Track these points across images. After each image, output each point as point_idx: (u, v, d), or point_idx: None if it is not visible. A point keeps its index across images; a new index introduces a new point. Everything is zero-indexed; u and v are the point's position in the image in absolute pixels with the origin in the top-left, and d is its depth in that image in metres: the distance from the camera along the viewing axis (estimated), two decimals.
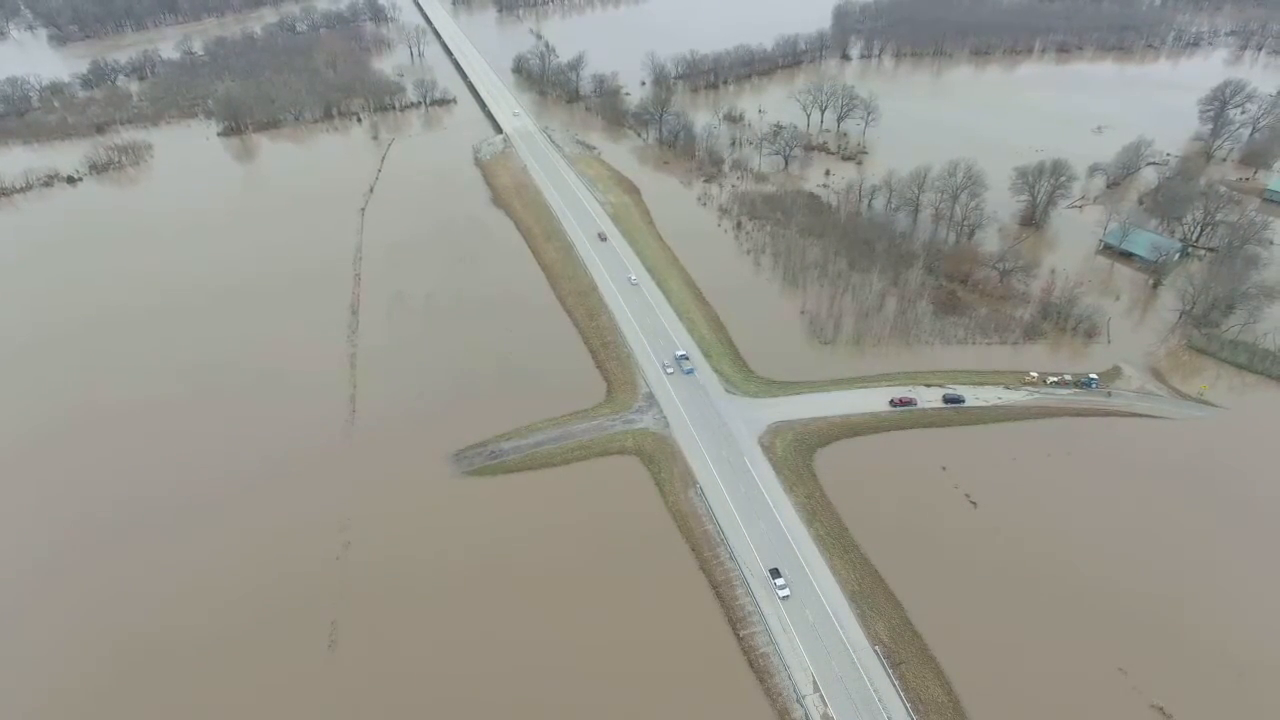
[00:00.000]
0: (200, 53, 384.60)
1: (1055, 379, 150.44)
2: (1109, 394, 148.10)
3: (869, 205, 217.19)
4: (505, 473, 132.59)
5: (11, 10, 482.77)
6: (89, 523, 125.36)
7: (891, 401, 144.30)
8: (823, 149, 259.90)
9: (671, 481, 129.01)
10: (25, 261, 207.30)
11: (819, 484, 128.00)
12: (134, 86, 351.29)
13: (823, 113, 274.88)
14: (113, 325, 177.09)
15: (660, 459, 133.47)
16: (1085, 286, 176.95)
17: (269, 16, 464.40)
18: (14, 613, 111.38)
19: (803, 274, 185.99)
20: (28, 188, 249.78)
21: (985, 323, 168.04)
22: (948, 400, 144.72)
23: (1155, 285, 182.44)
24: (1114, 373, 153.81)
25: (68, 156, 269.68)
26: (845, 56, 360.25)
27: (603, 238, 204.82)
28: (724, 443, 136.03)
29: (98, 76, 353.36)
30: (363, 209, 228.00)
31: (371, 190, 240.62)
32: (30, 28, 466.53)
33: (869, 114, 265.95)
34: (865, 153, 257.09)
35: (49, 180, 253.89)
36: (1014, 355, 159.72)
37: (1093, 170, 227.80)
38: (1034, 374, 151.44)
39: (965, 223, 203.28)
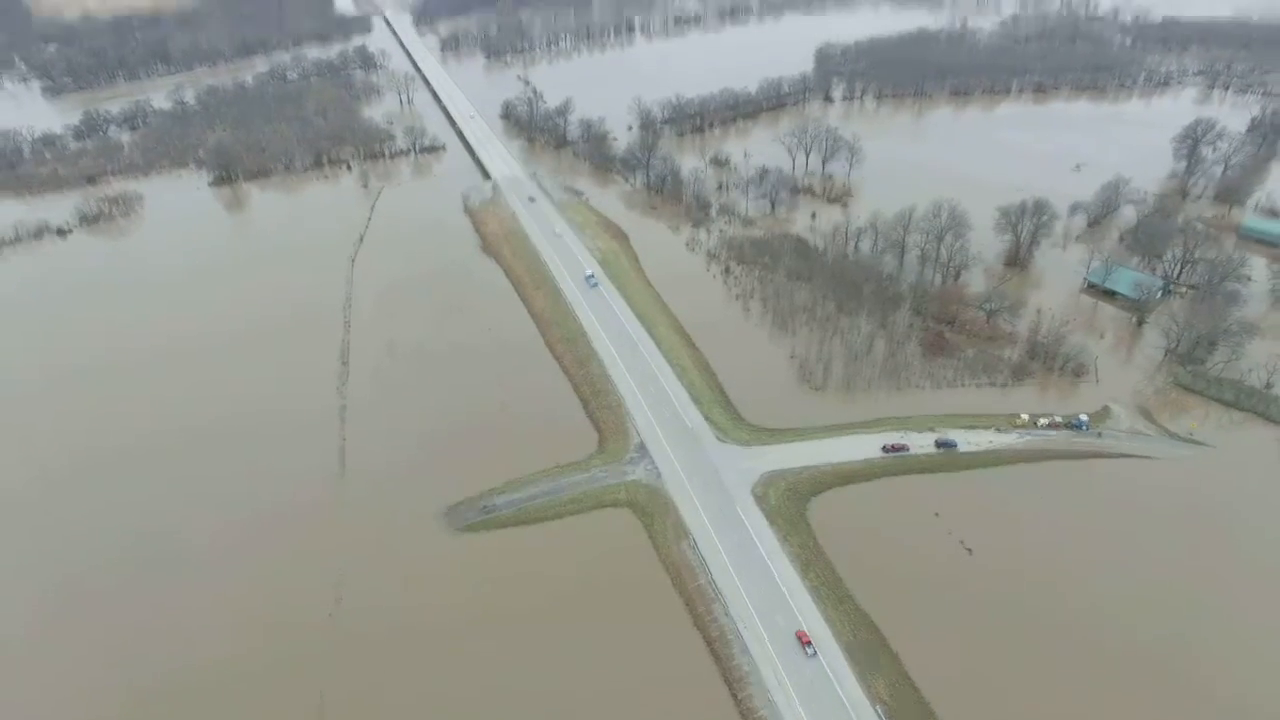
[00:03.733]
0: (192, 102, 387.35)
1: (1046, 421, 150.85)
2: (1099, 435, 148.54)
3: (855, 247, 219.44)
4: (498, 528, 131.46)
5: (5, 63, 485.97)
6: (73, 584, 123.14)
7: (884, 447, 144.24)
8: (808, 191, 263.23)
9: (665, 534, 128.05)
10: (15, 313, 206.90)
11: (813, 533, 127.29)
12: (126, 137, 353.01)
13: (807, 155, 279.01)
14: (99, 376, 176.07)
15: (653, 511, 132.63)
16: (1071, 325, 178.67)
17: (260, 66, 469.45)
18: None
19: (791, 318, 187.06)
20: (17, 240, 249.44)
21: (974, 364, 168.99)
22: (940, 445, 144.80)
23: (1140, 323, 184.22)
24: (1104, 413, 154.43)
25: (59, 208, 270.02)
26: (828, 99, 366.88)
27: (592, 282, 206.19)
28: (717, 493, 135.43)
29: (90, 127, 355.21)
30: (353, 257, 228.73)
31: (361, 239, 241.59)
32: (24, 79, 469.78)
33: (853, 156, 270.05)
34: (850, 195, 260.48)
35: (38, 233, 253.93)
36: (1004, 397, 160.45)
37: (1074, 209, 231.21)
38: (1024, 416, 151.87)
39: (951, 263, 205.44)
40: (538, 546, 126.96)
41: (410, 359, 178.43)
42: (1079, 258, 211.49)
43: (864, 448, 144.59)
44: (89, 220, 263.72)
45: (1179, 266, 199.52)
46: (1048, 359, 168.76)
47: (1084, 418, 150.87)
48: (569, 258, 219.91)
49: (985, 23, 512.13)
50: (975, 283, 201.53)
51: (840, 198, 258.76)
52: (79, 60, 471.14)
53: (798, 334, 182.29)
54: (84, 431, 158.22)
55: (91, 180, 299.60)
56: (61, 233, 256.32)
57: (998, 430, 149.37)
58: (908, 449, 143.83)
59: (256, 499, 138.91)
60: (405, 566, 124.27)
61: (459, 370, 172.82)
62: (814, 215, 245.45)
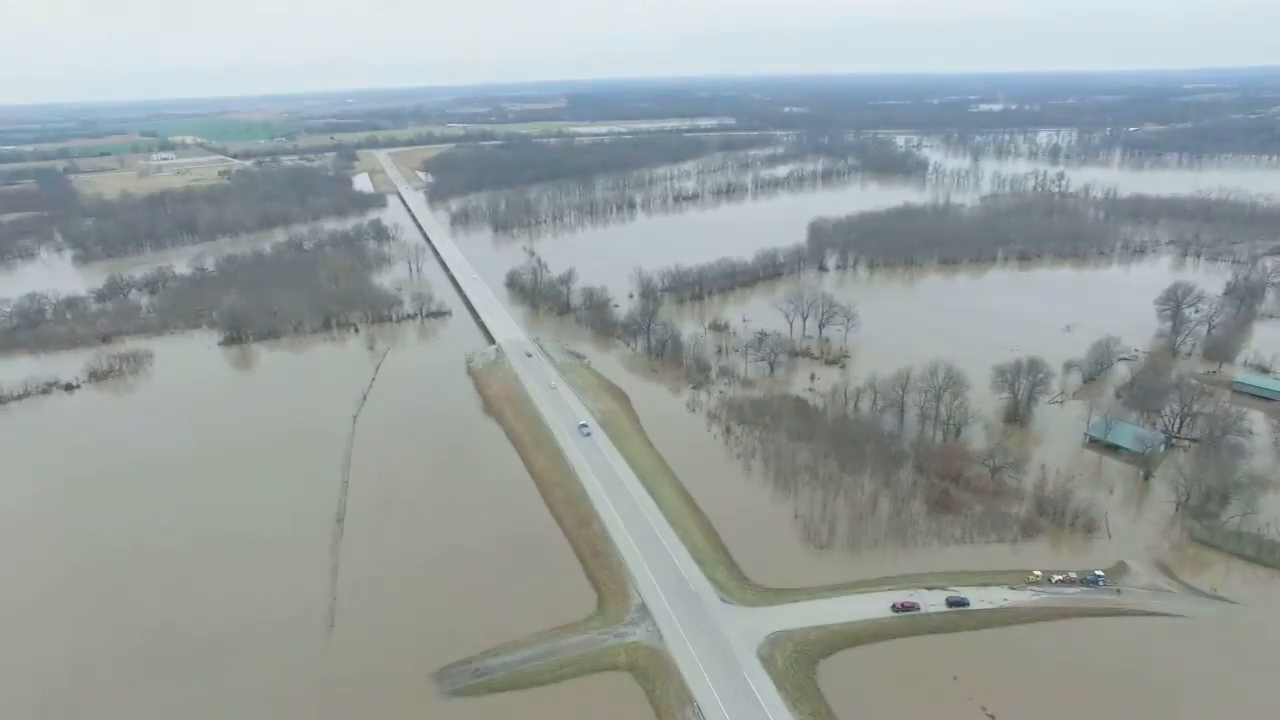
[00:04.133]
0: (211, 269, 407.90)
1: (1060, 577, 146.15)
2: (1119, 591, 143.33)
3: (855, 407, 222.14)
4: (490, 692, 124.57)
5: (45, 236, 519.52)
6: None
7: (894, 606, 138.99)
8: (806, 354, 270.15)
9: (667, 701, 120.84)
10: (18, 456, 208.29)
11: (824, 700, 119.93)
12: (145, 299, 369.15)
13: (804, 320, 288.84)
14: (93, 511, 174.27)
15: (654, 676, 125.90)
16: (1077, 480, 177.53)
17: (279, 236, 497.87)
18: None
19: (794, 477, 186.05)
20: (25, 395, 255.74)
21: (982, 520, 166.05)
22: (952, 603, 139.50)
23: (1146, 477, 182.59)
24: (1120, 569, 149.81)
25: (71, 365, 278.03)
26: (822, 268, 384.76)
27: (585, 431, 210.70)
28: (721, 655, 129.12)
29: (112, 290, 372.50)
30: (355, 416, 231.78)
31: (365, 398, 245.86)
32: (59, 250, 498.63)
33: (849, 320, 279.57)
34: (848, 356, 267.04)
35: (47, 388, 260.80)
36: (1014, 553, 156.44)
37: (1068, 367, 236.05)
38: (1038, 572, 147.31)
39: (951, 421, 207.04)
40: (532, 714, 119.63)
41: (407, 517, 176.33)
42: (1078, 413, 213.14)
43: (873, 607, 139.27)
44: (98, 376, 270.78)
45: (1179, 420, 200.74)
46: (1057, 514, 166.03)
47: (1100, 574, 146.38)
48: (568, 416, 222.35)
49: (966, 199, 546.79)
50: (976, 439, 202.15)
51: (838, 359, 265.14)
52: (111, 232, 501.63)
53: (800, 493, 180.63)
54: (77, 565, 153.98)
55: (106, 339, 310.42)
56: (69, 388, 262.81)
57: (1011, 588, 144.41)
58: (919, 608, 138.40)
59: (242, 658, 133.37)
60: None
61: (457, 529, 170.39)
62: (813, 376, 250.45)
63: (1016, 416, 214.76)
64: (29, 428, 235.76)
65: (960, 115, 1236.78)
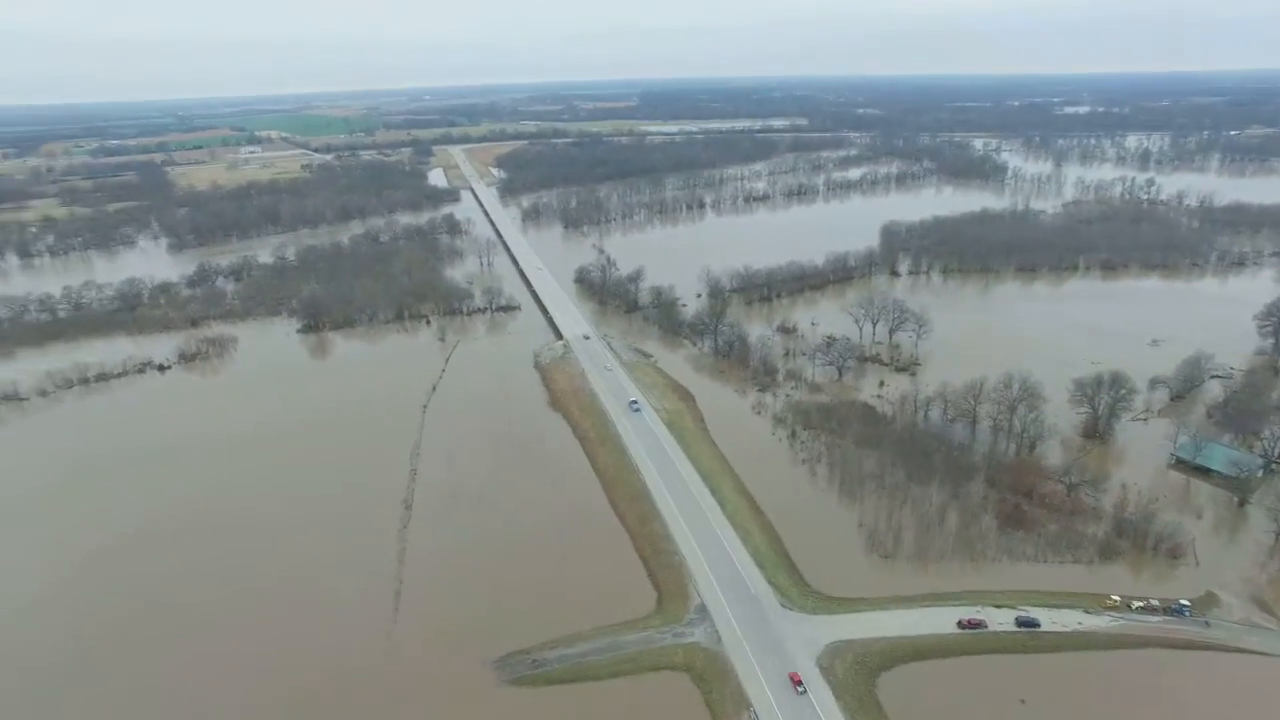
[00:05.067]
0: (292, 259, 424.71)
1: (1141, 604, 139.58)
2: (1207, 624, 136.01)
3: (925, 416, 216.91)
4: (548, 684, 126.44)
5: (144, 224, 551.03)
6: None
7: (959, 622, 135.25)
8: (876, 360, 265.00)
9: (723, 704, 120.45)
10: (110, 435, 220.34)
11: (884, 714, 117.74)
12: (230, 286, 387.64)
13: (874, 325, 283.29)
14: (175, 492, 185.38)
15: (711, 678, 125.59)
16: (1162, 502, 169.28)
17: (356, 228, 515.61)
18: None
19: (860, 485, 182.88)
20: (123, 374, 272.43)
21: (1056, 539, 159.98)
22: (1021, 623, 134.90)
23: (1242, 503, 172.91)
24: (1209, 599, 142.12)
25: (163, 347, 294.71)
26: (894, 273, 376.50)
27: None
28: (780, 661, 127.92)
29: (201, 277, 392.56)
30: (424, 406, 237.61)
31: (434, 389, 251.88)
32: (156, 238, 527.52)
33: (920, 327, 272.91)
34: (918, 364, 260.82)
35: (142, 368, 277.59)
36: (1091, 575, 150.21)
37: (1154, 383, 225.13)
38: (1116, 597, 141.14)
39: (1025, 434, 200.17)
40: (588, 707, 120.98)
41: (473, 506, 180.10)
42: (1164, 432, 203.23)
43: (937, 621, 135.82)
44: (187, 358, 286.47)
45: None
46: (1138, 537, 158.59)
47: (1186, 604, 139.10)
48: (636, 419, 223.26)
49: (1046, 205, 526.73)
50: (1052, 455, 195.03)
51: (908, 366, 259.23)
52: (202, 221, 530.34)
53: (866, 501, 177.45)
54: (153, 547, 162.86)
55: (194, 323, 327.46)
56: (161, 368, 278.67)
57: (1086, 611, 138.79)
58: (985, 625, 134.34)
59: (309, 634, 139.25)
60: (450, 713, 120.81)
61: (520, 520, 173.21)
62: (882, 383, 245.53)
63: (1096, 433, 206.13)
64: (127, 405, 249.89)
65: (1043, 118, 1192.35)
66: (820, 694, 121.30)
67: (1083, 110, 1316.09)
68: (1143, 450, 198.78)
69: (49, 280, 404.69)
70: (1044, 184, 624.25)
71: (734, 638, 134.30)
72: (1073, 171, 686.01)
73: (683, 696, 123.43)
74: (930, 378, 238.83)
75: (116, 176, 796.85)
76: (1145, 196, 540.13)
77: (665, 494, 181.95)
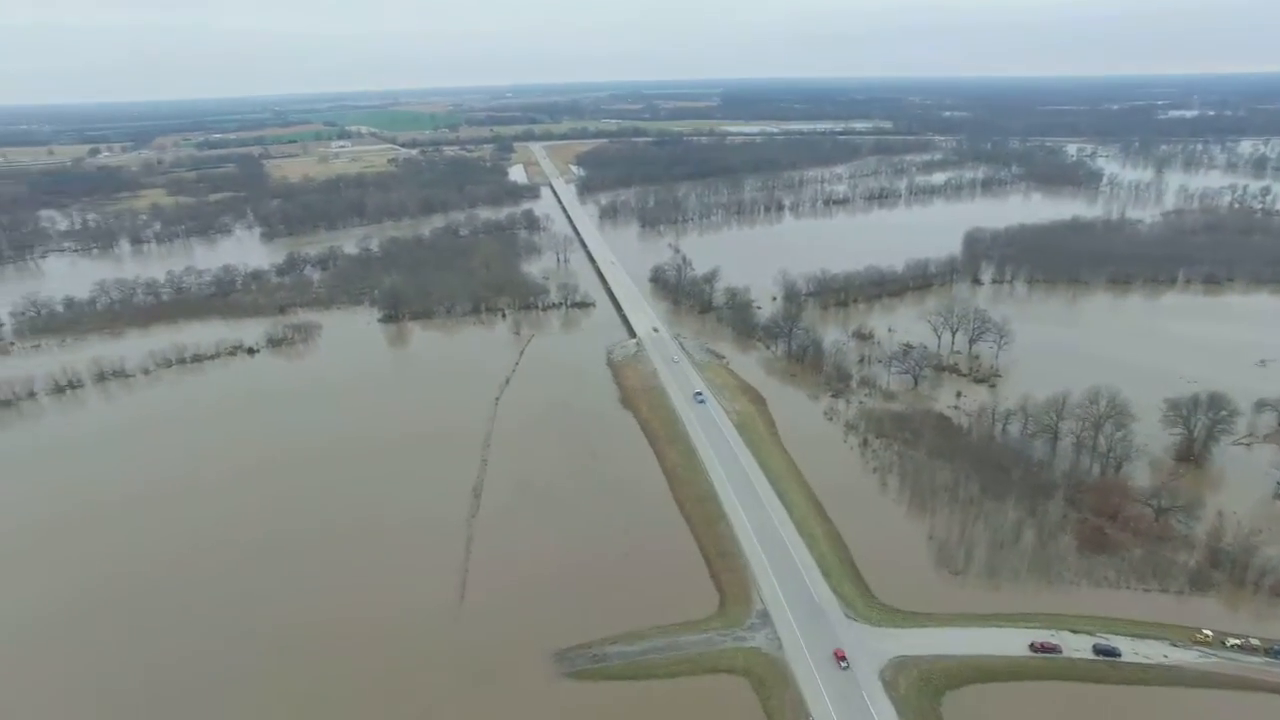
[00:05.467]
0: (375, 250, 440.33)
1: (1237, 642, 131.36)
2: None
3: (1003, 430, 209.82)
4: (607, 679, 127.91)
5: (240, 214, 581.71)
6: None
7: (1032, 645, 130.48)
8: (953, 370, 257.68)
9: (782, 711, 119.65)
10: (208, 416, 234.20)
11: None
12: (317, 275, 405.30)
13: (953, 334, 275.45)
14: (257, 473, 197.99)
15: (771, 684, 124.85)
16: (1266, 535, 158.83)
17: (438, 222, 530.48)
18: None
19: (932, 497, 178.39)
20: (216, 356, 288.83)
21: (1141, 566, 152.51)
22: (1100, 651, 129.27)
23: None
24: None
25: (253, 331, 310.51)
26: (976, 281, 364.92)
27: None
28: (841, 672, 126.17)
29: (290, 266, 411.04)
30: (497, 398, 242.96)
31: (508, 381, 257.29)
32: (250, 227, 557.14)
33: (1002, 337, 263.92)
34: (998, 376, 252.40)
35: (233, 350, 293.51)
36: (1179, 607, 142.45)
37: (1260, 406, 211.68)
38: (1208, 632, 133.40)
39: (1111, 454, 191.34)
40: (646, 704, 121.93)
41: (540, 499, 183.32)
42: (1269, 459, 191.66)
43: (1009, 643, 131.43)
44: (274, 343, 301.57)
45: None
46: (1236, 570, 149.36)
47: None
48: (706, 419, 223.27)
49: (1144, 214, 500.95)
50: (1140, 476, 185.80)
51: (987, 378, 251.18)
52: (293, 212, 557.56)
53: (937, 514, 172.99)
54: (236, 522, 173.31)
55: (282, 309, 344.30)
56: (251, 352, 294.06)
57: (1173, 644, 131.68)
58: (1059, 650, 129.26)
59: (376, 607, 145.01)
60: (510, 701, 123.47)
61: (586, 515, 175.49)
62: (959, 394, 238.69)
63: (1190, 456, 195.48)
64: (218, 384, 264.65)
65: (1144, 122, 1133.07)
66: (864, 673, 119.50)
67: (1190, 114, 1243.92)
68: (1244, 477, 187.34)
69: (155, 265, 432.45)
70: (1142, 191, 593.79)
71: (795, 645, 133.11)
72: (1175, 179, 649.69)
73: (741, 700, 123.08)
74: (1010, 390, 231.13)
75: (218, 168, 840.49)
76: (1259, 206, 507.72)
77: (732, 496, 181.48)
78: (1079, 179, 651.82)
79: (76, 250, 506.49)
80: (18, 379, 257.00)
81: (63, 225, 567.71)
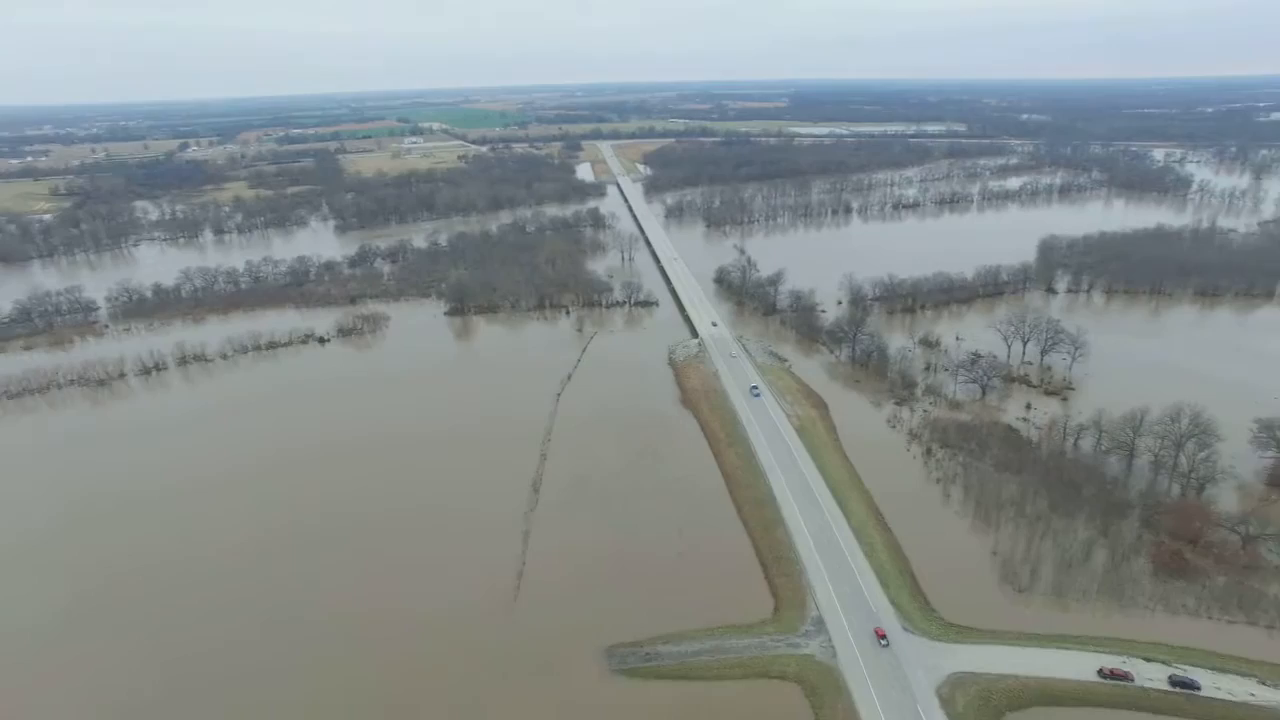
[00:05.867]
0: (443, 244, 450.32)
1: None
2: None
3: (1075, 445, 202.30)
4: (657, 678, 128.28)
5: (316, 207, 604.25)
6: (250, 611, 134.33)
7: (1101, 671, 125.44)
8: (1023, 381, 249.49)
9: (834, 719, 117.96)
10: (277, 402, 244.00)
11: None
12: (386, 268, 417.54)
13: (1024, 344, 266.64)
14: (321, 459, 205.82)
15: (823, 693, 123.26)
16: None
17: (505, 218, 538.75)
18: None
19: (996, 511, 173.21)
20: (289, 343, 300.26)
21: (1225, 595, 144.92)
22: (1176, 683, 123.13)
23: None
24: None
25: (324, 320, 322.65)
26: (1051, 290, 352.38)
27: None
28: (896, 685, 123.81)
29: (361, 258, 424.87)
30: (559, 393, 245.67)
31: (569, 377, 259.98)
32: (325, 220, 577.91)
33: (1076, 349, 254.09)
34: (1071, 388, 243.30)
35: (305, 339, 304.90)
36: (1269, 641, 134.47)
37: None
38: None
39: (1193, 475, 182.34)
40: (696, 705, 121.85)
41: (598, 495, 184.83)
42: None
43: (1076, 666, 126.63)
44: (345, 332, 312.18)
45: None
46: None
47: None
48: (766, 422, 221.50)
49: (1238, 223, 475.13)
50: (1225, 500, 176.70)
51: (1059, 390, 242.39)
52: (365, 206, 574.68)
53: (1002, 528, 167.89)
54: (297, 506, 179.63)
55: (353, 300, 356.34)
56: (322, 340, 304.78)
57: (1261, 681, 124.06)
58: (1131, 679, 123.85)
59: (433, 596, 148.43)
60: (560, 694, 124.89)
61: (643, 513, 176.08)
62: (1029, 406, 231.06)
63: None
64: (290, 371, 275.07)
65: (1242, 125, 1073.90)
66: (921, 689, 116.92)
67: None
68: None
69: (235, 255, 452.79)
70: (1237, 200, 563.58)
71: (850, 655, 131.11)
72: (1276, 186, 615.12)
73: (792, 707, 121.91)
74: (1083, 404, 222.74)
75: (296, 163, 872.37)
76: None
77: (790, 501, 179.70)
78: (1165, 185, 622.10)
79: (165, 239, 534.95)
80: (110, 360, 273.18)
81: (154, 215, 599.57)
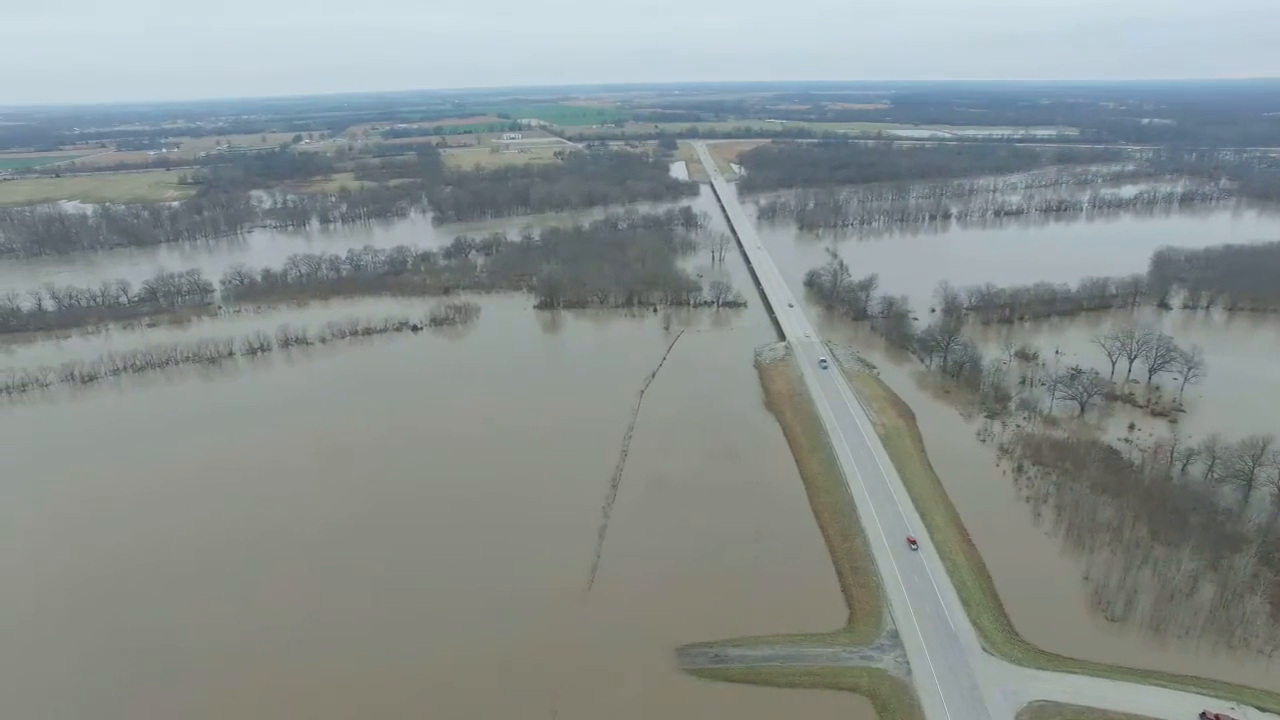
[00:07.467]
0: (536, 239, 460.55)
1: None
2: None
3: (1183, 470, 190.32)
4: (726, 680, 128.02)
5: (416, 199, 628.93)
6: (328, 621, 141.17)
7: (1204, 715, 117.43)
8: (1128, 400, 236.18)
9: None
10: (369, 388, 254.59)
11: None
12: (480, 260, 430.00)
13: (1131, 361, 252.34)
14: (410, 446, 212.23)
15: (895, 709, 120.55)
16: None
17: (598, 215, 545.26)
18: None
19: (1091, 535, 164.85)
20: (384, 330, 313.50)
21: None
22: None
23: None
24: None
25: (419, 310, 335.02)
26: (1164, 305, 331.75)
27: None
28: (973, 708, 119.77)
29: (456, 250, 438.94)
30: (642, 391, 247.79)
31: (654, 375, 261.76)
32: (424, 211, 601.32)
33: (1189, 368, 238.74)
34: (1182, 410, 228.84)
35: (399, 327, 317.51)
36: None
37: None
38: None
39: None
40: (763, 710, 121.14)
41: (676, 494, 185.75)
42: None
43: (1174, 707, 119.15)
44: (437, 322, 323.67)
45: None
46: None
47: None
48: (851, 430, 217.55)
49: None
50: None
51: (1168, 412, 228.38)
52: (463, 199, 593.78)
53: (1096, 553, 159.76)
54: (382, 491, 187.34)
55: (446, 291, 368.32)
56: (415, 329, 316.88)
57: None
58: None
59: (508, 586, 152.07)
60: (628, 689, 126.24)
61: (720, 514, 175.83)
62: (1132, 426, 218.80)
63: None
64: (383, 357, 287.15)
65: None
66: (999, 714, 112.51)
67: None
68: None
69: (338, 243, 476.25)
70: None
71: (925, 672, 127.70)
72: None
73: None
74: (1195, 428, 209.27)
75: (399, 156, 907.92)
76: None
77: (871, 511, 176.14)
78: None
79: (275, 227, 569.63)
80: (221, 339, 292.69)
81: (267, 204, 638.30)
